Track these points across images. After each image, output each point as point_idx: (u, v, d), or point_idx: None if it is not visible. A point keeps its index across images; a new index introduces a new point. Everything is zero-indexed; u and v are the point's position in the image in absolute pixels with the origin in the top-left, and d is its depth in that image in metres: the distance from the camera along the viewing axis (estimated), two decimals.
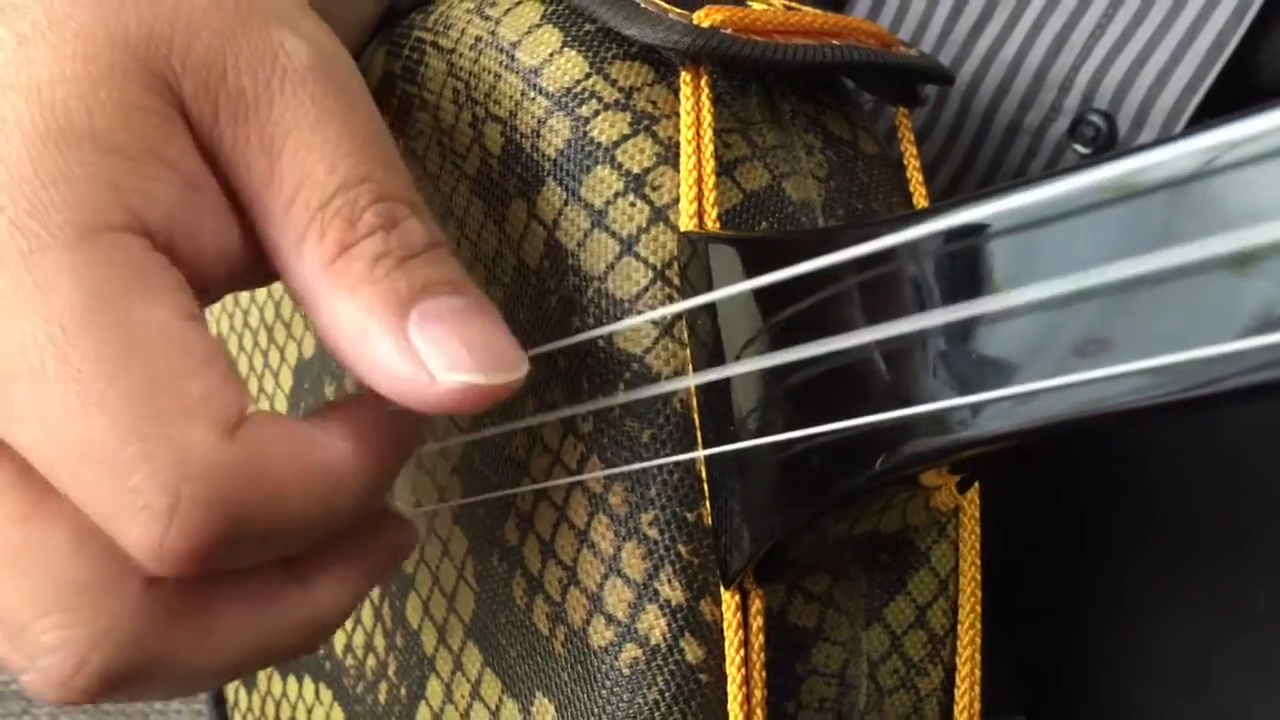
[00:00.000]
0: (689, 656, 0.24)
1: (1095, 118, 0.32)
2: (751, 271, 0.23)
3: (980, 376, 0.18)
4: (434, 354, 0.20)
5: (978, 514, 0.27)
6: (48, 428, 0.19)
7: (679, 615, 0.24)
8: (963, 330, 0.19)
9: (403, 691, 0.31)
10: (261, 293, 0.37)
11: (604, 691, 0.25)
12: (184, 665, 0.21)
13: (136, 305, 0.19)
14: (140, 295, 0.19)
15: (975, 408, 0.18)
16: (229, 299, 0.39)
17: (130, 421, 0.19)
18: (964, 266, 0.19)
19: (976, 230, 0.18)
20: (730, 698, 0.24)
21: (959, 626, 0.27)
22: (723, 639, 0.24)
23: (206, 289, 0.22)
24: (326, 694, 0.34)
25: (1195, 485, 0.32)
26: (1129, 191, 0.16)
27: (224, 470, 0.19)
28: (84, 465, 0.19)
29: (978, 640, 0.27)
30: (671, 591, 0.24)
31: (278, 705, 0.37)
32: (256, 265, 0.22)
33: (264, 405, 0.37)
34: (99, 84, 0.20)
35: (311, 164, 0.21)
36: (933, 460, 0.20)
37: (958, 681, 0.27)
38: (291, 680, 0.36)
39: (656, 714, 0.24)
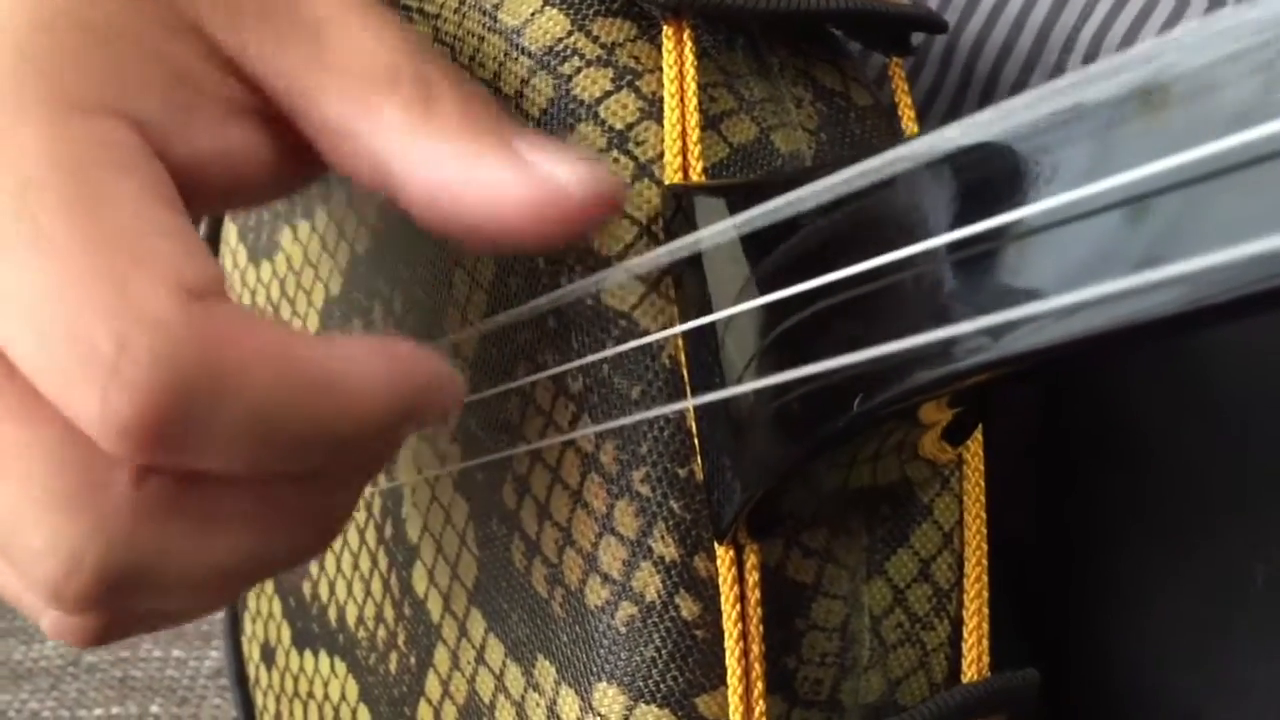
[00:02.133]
0: (684, 613, 0.24)
1: None
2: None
3: (983, 300, 0.18)
4: (553, 167, 0.20)
5: (981, 466, 0.27)
6: (8, 290, 0.18)
7: (673, 572, 0.24)
8: (962, 253, 0.19)
9: (412, 660, 0.31)
10: (267, 272, 0.37)
11: (602, 650, 0.24)
12: (184, 569, 0.20)
13: (105, 176, 0.19)
14: (111, 171, 0.19)
15: (980, 332, 0.18)
16: (237, 281, 0.39)
17: (83, 270, 0.18)
18: (959, 187, 0.18)
19: (969, 150, 0.18)
20: (728, 653, 0.23)
21: (965, 580, 0.27)
22: (719, 595, 0.24)
23: (199, 193, 0.21)
24: (341, 666, 0.34)
25: (1198, 457, 0.32)
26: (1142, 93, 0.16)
27: (178, 329, 0.18)
28: (43, 327, 0.18)
29: (985, 593, 0.27)
30: (665, 548, 0.24)
31: (296, 680, 0.37)
32: (270, 175, 0.22)
33: None
34: None
35: (364, 40, 0.21)
36: (931, 390, 0.19)
37: (965, 635, 0.27)
38: (308, 655, 0.36)
39: (654, 671, 0.24)
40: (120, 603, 0.20)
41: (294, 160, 0.22)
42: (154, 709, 0.45)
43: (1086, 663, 0.34)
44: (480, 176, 0.20)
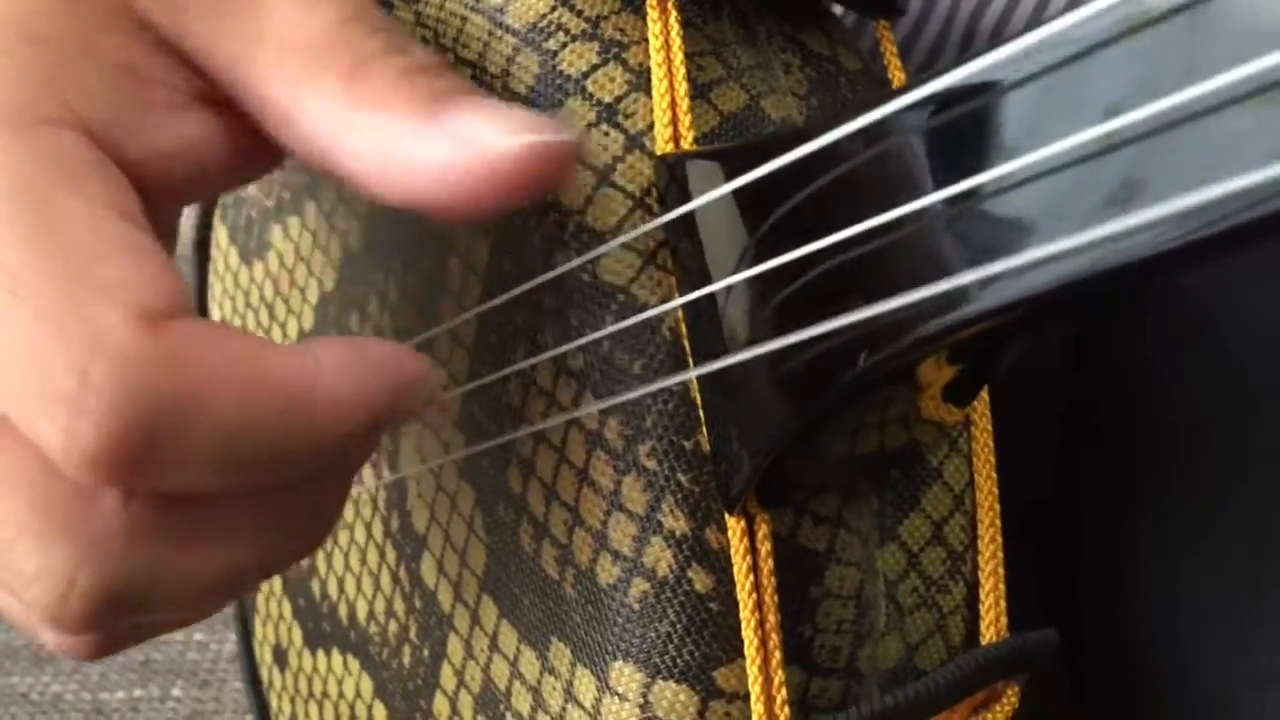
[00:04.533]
0: (698, 586, 0.23)
1: None
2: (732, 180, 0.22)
3: (984, 246, 0.18)
4: (484, 130, 0.19)
5: (989, 426, 0.27)
6: None
7: (684, 545, 0.23)
8: (952, 207, 0.18)
9: (425, 653, 0.31)
10: (259, 272, 0.37)
11: (616, 629, 0.24)
12: (182, 581, 0.20)
13: (60, 195, 0.18)
14: (63, 185, 0.19)
15: (972, 283, 0.18)
16: (229, 282, 0.39)
17: (42, 303, 0.18)
18: (949, 137, 0.18)
19: (959, 97, 0.18)
20: (743, 624, 0.23)
21: (979, 541, 0.26)
22: (731, 567, 0.23)
23: (160, 191, 0.21)
24: (354, 664, 0.34)
25: (1223, 425, 0.32)
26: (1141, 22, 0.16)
27: (139, 357, 0.18)
28: (4, 360, 0.18)
29: (1000, 554, 0.27)
30: (675, 522, 0.23)
31: (309, 680, 0.37)
32: (235, 160, 0.21)
33: None
34: None
35: (297, 15, 0.20)
36: (933, 343, 0.19)
37: (982, 597, 0.26)
38: (321, 655, 0.36)
39: (670, 646, 0.24)
40: (116, 620, 0.20)
41: (254, 144, 0.22)
42: (175, 692, 0.45)
43: (1109, 637, 0.33)
44: (402, 146, 0.19)
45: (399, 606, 0.32)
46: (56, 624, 0.20)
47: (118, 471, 0.18)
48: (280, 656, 0.38)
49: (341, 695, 0.35)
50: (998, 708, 0.25)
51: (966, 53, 0.33)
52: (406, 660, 0.31)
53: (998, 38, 0.33)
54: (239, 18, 0.20)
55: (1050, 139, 0.17)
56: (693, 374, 0.23)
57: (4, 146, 0.19)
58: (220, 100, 0.21)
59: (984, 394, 0.26)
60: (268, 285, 0.37)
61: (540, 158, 0.19)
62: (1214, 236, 0.15)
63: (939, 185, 0.18)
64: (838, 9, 0.29)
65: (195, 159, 0.21)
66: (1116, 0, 0.16)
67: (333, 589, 0.34)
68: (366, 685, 0.34)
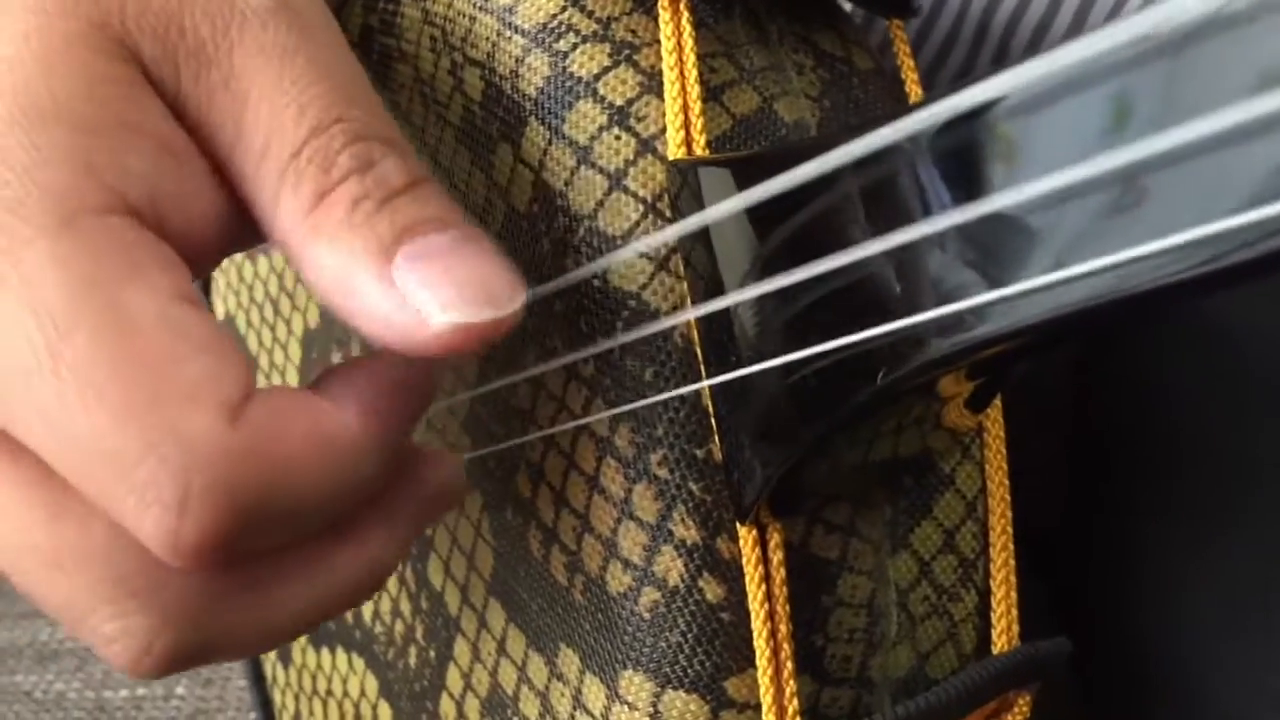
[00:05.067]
0: (709, 596, 0.23)
1: None
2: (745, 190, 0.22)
3: (992, 272, 0.17)
4: (422, 296, 0.20)
5: (1002, 434, 0.26)
6: (50, 426, 0.18)
7: (695, 555, 0.23)
8: (970, 228, 0.18)
9: (431, 654, 0.30)
10: (264, 267, 0.37)
11: (626, 638, 0.24)
12: (246, 635, 0.21)
13: (126, 292, 0.18)
14: (129, 281, 0.19)
15: (992, 303, 0.17)
16: (233, 276, 0.38)
17: (130, 414, 0.18)
18: (966, 157, 0.18)
19: (977, 114, 0.17)
20: (755, 634, 0.23)
21: (990, 549, 0.26)
22: (742, 576, 0.23)
23: (203, 257, 0.21)
24: (359, 662, 0.34)
25: (1231, 441, 0.31)
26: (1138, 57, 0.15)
27: (232, 454, 0.18)
28: (89, 462, 0.18)
29: (1011, 562, 0.26)
30: (686, 531, 0.23)
31: (314, 678, 0.36)
32: (248, 226, 0.22)
33: (275, 379, 0.36)
34: (57, 60, 0.19)
35: (279, 111, 0.20)
36: (951, 363, 0.19)
37: (993, 605, 0.26)
38: (325, 652, 0.36)
39: (681, 656, 0.23)
40: (190, 666, 0.21)
41: None
42: (179, 690, 0.45)
43: (1116, 646, 0.33)
44: (354, 283, 0.20)
45: (405, 607, 0.31)
46: (132, 675, 0.20)
47: (215, 555, 0.19)
48: (284, 652, 0.38)
49: (346, 694, 0.35)
50: (1009, 717, 0.25)
51: (984, 67, 0.32)
52: (412, 661, 0.31)
53: (1010, 35, 0.33)
54: (226, 106, 0.20)
55: (1067, 163, 0.16)
56: (705, 384, 0.23)
57: (56, 241, 0.18)
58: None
59: (997, 400, 0.26)
60: (272, 281, 0.36)
61: (467, 337, 0.20)
62: (1236, 265, 0.15)
63: (956, 202, 0.18)
64: (848, 6, 0.29)
65: (221, 227, 0.21)
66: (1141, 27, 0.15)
67: None
68: (371, 684, 0.33)
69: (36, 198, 0.18)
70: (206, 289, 0.40)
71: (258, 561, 0.20)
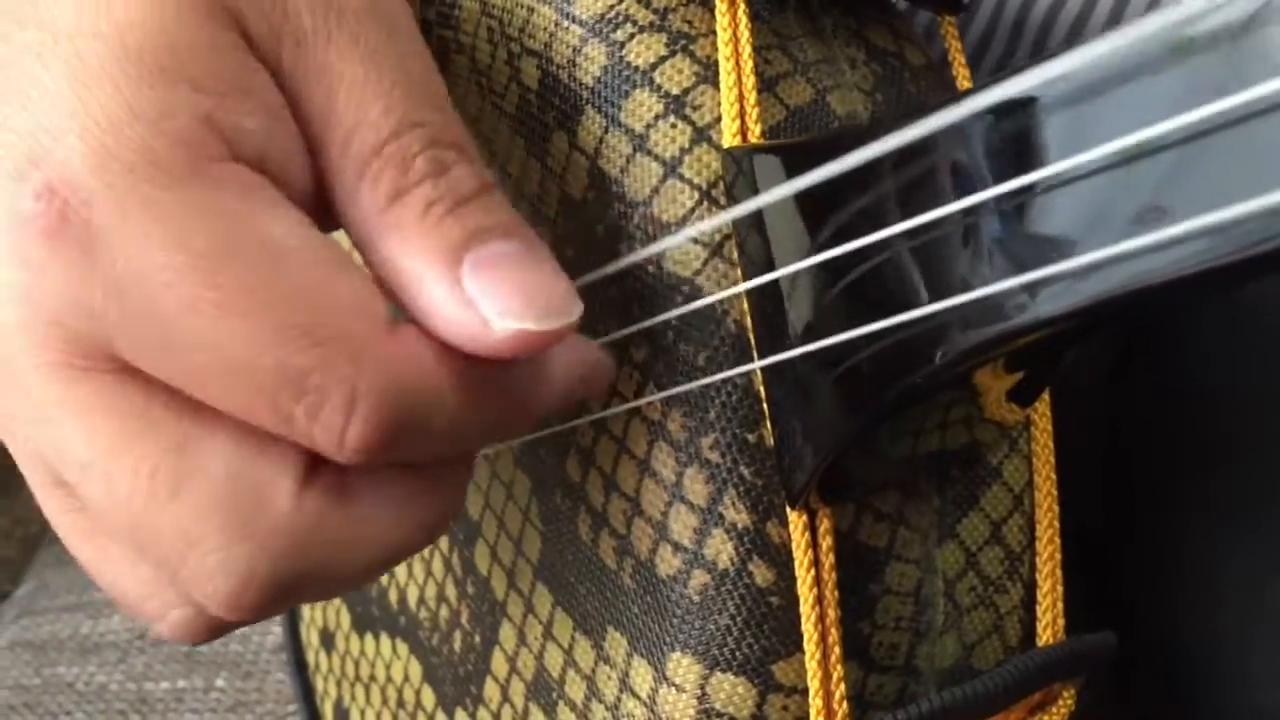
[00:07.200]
0: (758, 580, 0.23)
1: None
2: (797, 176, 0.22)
3: (1035, 254, 0.18)
4: (487, 301, 0.20)
5: (1050, 427, 0.26)
6: (216, 357, 0.19)
7: (746, 538, 0.23)
8: (1015, 207, 0.18)
9: (477, 639, 0.31)
10: None
11: (675, 620, 0.24)
12: (337, 568, 0.21)
13: (266, 223, 0.19)
14: (267, 214, 0.20)
15: (1031, 288, 0.17)
16: None
17: (296, 330, 0.19)
18: (1013, 141, 0.18)
19: (1023, 103, 0.18)
20: (803, 619, 0.23)
21: (1037, 542, 0.26)
22: (792, 561, 0.23)
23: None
24: (403, 648, 0.34)
25: (1277, 416, 0.31)
26: (1181, 44, 0.15)
27: (394, 361, 0.20)
28: (253, 384, 0.19)
29: (1058, 555, 0.26)
30: (737, 515, 0.23)
31: (357, 664, 0.37)
32: (321, 208, 0.22)
33: None
34: (173, 24, 0.20)
35: (367, 104, 0.21)
36: (991, 349, 0.19)
37: (1039, 598, 0.26)
38: (369, 638, 0.36)
39: (729, 639, 0.24)
40: (285, 605, 0.22)
41: None
42: (219, 682, 0.45)
43: (1156, 641, 0.33)
44: (419, 282, 0.21)
45: (450, 592, 0.32)
46: (228, 613, 0.21)
47: (381, 455, 0.20)
48: (327, 639, 0.39)
49: (389, 679, 0.35)
50: (1054, 709, 0.25)
51: (1033, 55, 0.32)
52: (457, 646, 0.32)
53: (1048, 28, 0.33)
54: (317, 85, 0.21)
55: (1090, 146, 0.17)
56: (757, 365, 0.23)
57: (194, 188, 0.19)
58: None
59: (1045, 395, 0.26)
60: None
61: (527, 344, 0.20)
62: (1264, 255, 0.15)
63: (992, 185, 0.18)
64: (902, 5, 0.29)
65: (313, 203, 0.22)
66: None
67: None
68: (415, 669, 0.34)
69: (168, 146, 0.19)
70: None
71: (357, 488, 0.21)
